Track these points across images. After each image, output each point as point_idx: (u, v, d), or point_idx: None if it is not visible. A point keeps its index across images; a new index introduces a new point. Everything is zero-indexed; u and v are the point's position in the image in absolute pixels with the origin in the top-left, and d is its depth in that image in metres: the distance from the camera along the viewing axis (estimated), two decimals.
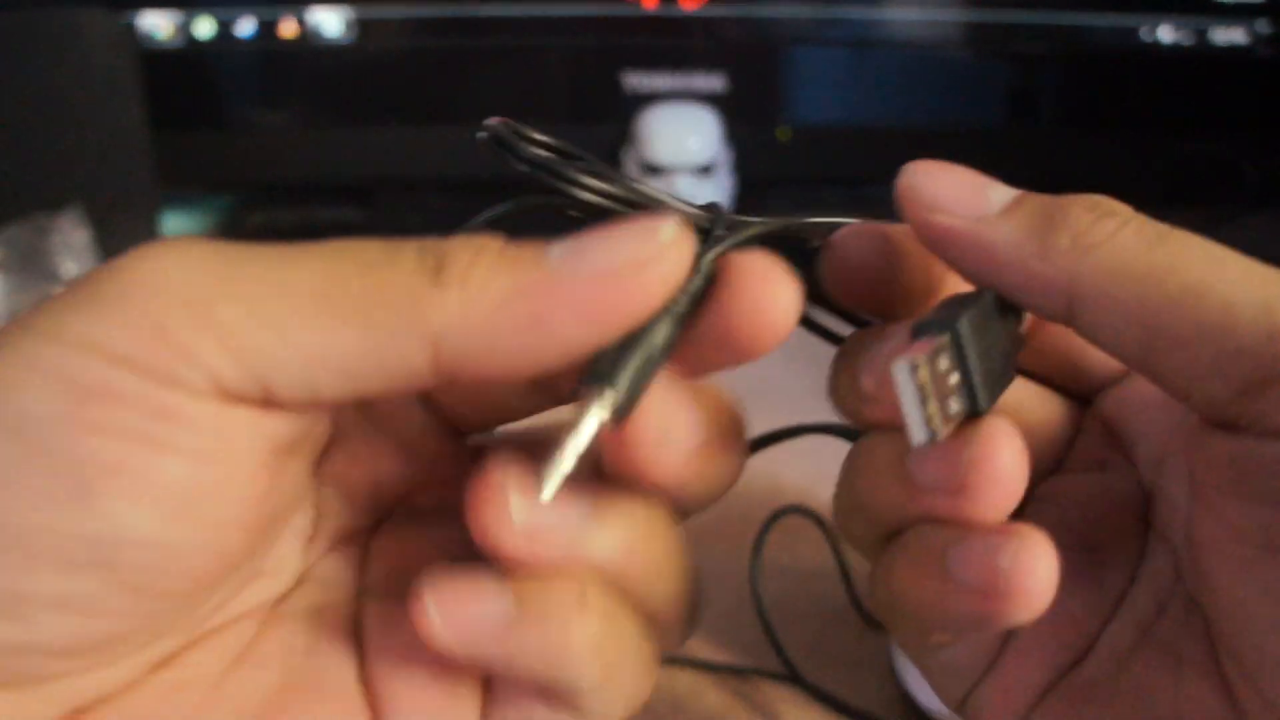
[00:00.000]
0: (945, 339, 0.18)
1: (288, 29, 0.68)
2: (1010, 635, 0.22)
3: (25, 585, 0.16)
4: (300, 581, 0.21)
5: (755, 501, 0.38)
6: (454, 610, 0.17)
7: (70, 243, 0.54)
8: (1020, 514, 0.21)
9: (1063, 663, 0.21)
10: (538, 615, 0.17)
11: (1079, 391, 0.23)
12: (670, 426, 0.18)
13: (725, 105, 0.70)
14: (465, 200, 0.77)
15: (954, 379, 0.18)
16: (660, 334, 0.17)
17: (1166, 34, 0.71)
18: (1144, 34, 0.71)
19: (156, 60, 0.65)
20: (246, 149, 0.73)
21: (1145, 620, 0.21)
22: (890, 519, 0.20)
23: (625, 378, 0.17)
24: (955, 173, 0.20)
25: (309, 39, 0.69)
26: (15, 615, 0.16)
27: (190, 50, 0.68)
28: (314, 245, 0.17)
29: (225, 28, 0.68)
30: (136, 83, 0.60)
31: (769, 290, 0.18)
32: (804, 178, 0.78)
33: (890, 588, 0.20)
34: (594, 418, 0.17)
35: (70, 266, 0.54)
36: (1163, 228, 0.18)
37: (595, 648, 0.18)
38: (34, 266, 0.54)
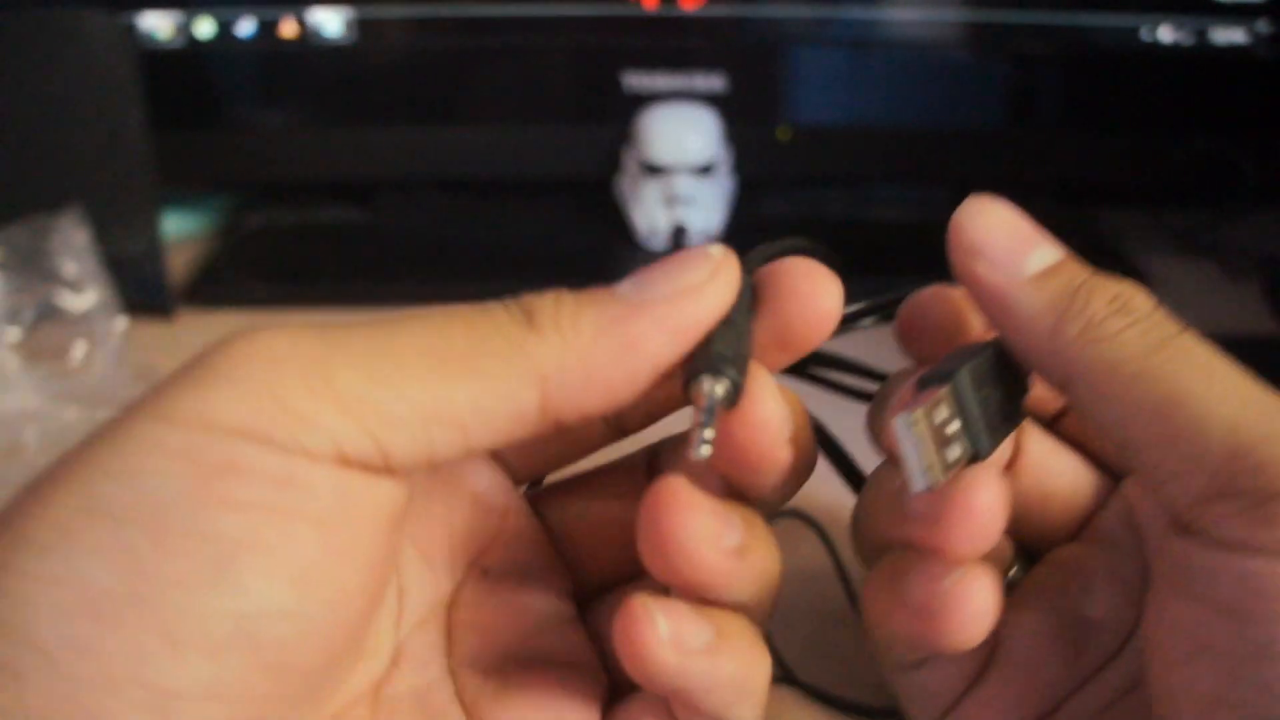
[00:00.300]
0: (946, 390, 0.19)
1: (288, 29, 0.68)
2: (983, 673, 0.23)
3: (174, 678, 0.15)
4: (395, 660, 0.21)
5: None
6: (676, 628, 0.18)
7: (70, 243, 0.54)
8: (1027, 573, 0.23)
9: (1031, 712, 0.22)
10: (734, 646, 0.19)
11: (1111, 467, 0.24)
12: (775, 407, 0.19)
13: (725, 105, 0.70)
14: (465, 200, 0.77)
15: (954, 427, 0.19)
16: (737, 330, 0.19)
17: (1166, 34, 0.71)
18: (1144, 34, 0.71)
19: (156, 60, 0.65)
20: (246, 149, 0.73)
21: (1118, 691, 0.22)
22: (883, 540, 0.21)
23: (728, 365, 0.19)
24: (1006, 221, 0.21)
25: (309, 39, 0.69)
26: (165, 712, 0.15)
27: (190, 50, 0.68)
28: (407, 314, 0.18)
29: (225, 28, 0.68)
30: (137, 83, 0.60)
31: (814, 286, 0.20)
32: (804, 178, 0.78)
33: (864, 601, 0.21)
34: (714, 398, 0.18)
35: (70, 267, 0.54)
36: (1170, 331, 0.19)
37: (767, 680, 0.19)
38: (34, 266, 0.54)
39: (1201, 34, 0.71)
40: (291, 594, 0.16)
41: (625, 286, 0.19)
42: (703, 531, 0.18)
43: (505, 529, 0.22)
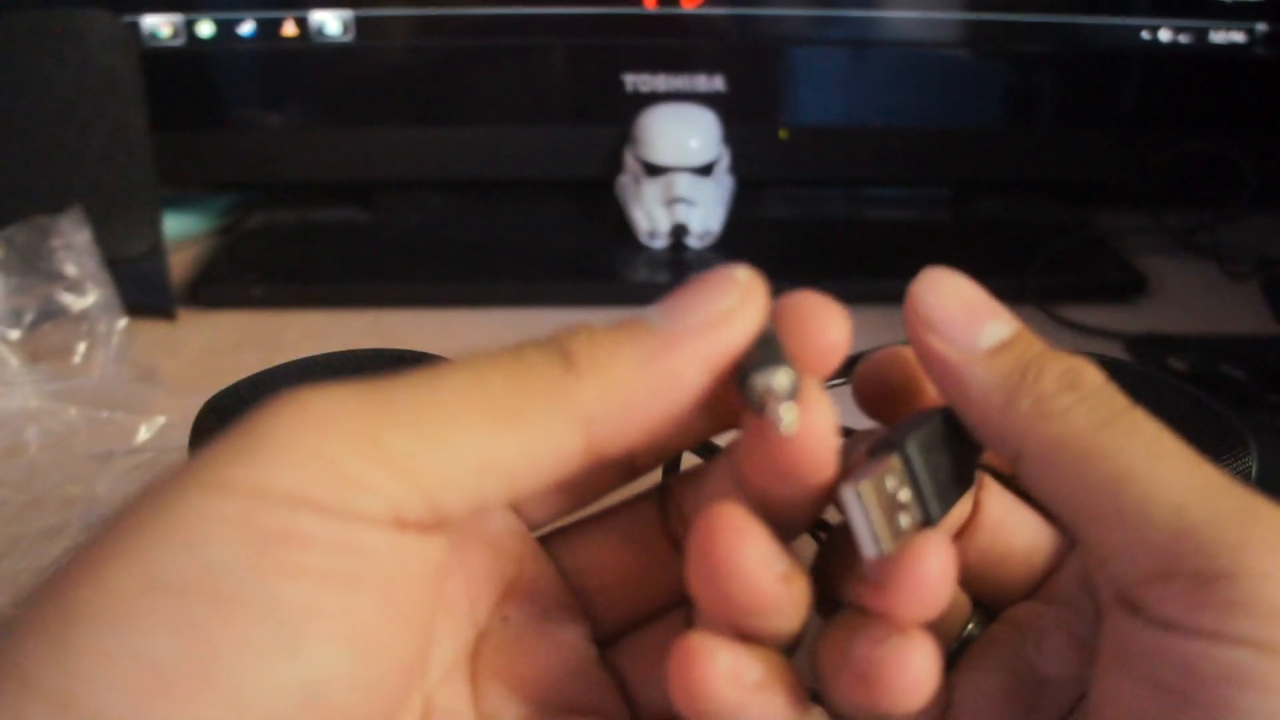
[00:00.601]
0: (894, 459, 0.20)
1: (288, 29, 0.68)
2: None
3: None
4: (425, 714, 0.20)
5: None
6: (734, 663, 0.18)
7: (71, 243, 0.55)
8: (982, 631, 0.23)
9: None
10: (781, 681, 0.19)
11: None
12: (829, 410, 0.19)
13: (725, 105, 0.70)
14: (465, 200, 0.77)
15: (905, 495, 0.20)
16: (773, 346, 0.19)
17: (1166, 34, 0.71)
18: (1144, 34, 0.71)
19: (157, 60, 0.65)
20: (247, 149, 0.73)
21: None
22: (836, 597, 0.22)
23: (782, 363, 0.19)
24: (961, 294, 0.21)
25: (309, 39, 0.69)
26: None
27: (191, 50, 0.68)
28: (442, 366, 0.18)
29: (226, 28, 0.68)
30: (138, 83, 0.60)
31: (823, 319, 0.20)
32: (804, 178, 0.78)
33: (814, 656, 0.21)
34: (782, 387, 0.19)
35: (71, 267, 0.54)
36: (1118, 407, 0.19)
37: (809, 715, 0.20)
38: (35, 266, 0.54)
39: (1201, 34, 0.71)
40: (354, 659, 0.16)
41: (656, 316, 0.19)
42: (758, 557, 0.18)
43: (523, 574, 0.22)
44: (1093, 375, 0.20)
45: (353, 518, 0.16)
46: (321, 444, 0.16)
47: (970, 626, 0.24)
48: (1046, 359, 0.20)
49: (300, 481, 0.16)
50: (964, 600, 0.24)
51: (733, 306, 0.19)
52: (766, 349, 0.19)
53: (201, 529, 0.16)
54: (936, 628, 0.22)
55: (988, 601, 0.24)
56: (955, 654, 0.24)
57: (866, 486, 0.19)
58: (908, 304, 0.21)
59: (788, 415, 0.18)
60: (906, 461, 0.20)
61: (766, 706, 0.19)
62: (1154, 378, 0.32)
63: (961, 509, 0.23)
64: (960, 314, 0.20)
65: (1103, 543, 0.19)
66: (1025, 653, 0.23)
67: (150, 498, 0.16)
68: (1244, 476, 0.28)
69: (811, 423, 0.19)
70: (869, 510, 0.19)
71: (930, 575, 0.19)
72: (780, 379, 0.19)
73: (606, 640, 0.23)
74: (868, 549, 0.19)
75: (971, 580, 0.24)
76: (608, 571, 0.23)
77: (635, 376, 0.18)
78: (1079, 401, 0.19)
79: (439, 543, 0.18)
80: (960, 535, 0.23)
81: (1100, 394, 0.19)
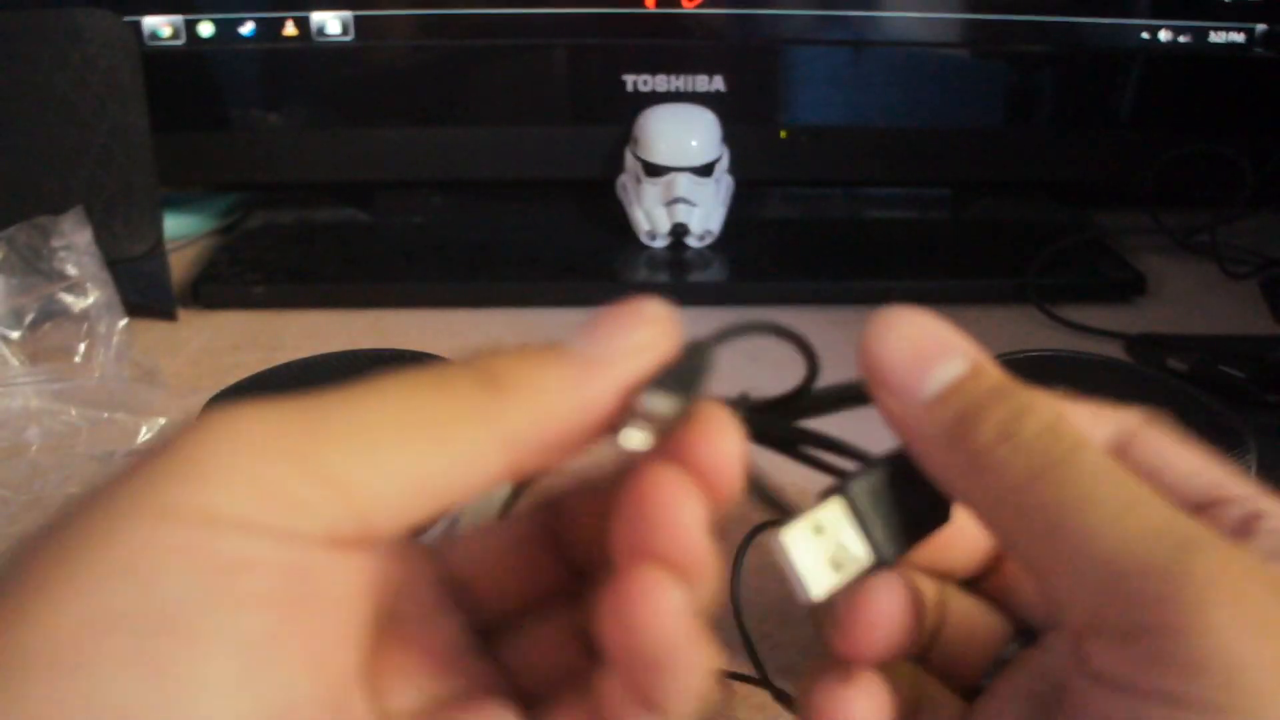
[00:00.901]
0: (836, 502, 0.20)
1: (288, 29, 0.68)
2: None
3: None
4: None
5: (734, 515, 0.38)
6: (682, 597, 0.18)
7: (72, 243, 0.55)
8: (1023, 648, 0.22)
9: None
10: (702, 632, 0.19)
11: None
12: (731, 433, 0.19)
13: (725, 105, 0.70)
14: (465, 200, 0.77)
15: (851, 537, 0.20)
16: (683, 380, 0.20)
17: (1166, 34, 0.71)
18: (1143, 34, 0.71)
19: (158, 60, 0.65)
20: (247, 149, 0.73)
21: None
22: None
23: (671, 389, 0.20)
24: (909, 340, 0.20)
25: (310, 39, 0.69)
26: None
27: (191, 51, 0.68)
28: (366, 384, 0.18)
29: (226, 28, 0.68)
30: (139, 83, 0.60)
31: (720, 438, 0.20)
32: (803, 178, 0.78)
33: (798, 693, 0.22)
34: (653, 408, 0.19)
35: (72, 267, 0.54)
36: (1061, 450, 0.18)
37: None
38: (36, 267, 0.54)
39: (1200, 34, 0.71)
40: (313, 680, 0.16)
41: (579, 343, 0.20)
42: (696, 509, 0.19)
43: (408, 574, 0.22)
44: (1035, 419, 0.19)
45: (297, 539, 0.16)
46: (261, 464, 0.16)
47: (1012, 647, 0.24)
48: (990, 403, 0.19)
49: (245, 505, 0.16)
50: (996, 622, 0.24)
51: (648, 340, 0.20)
52: (666, 381, 0.20)
53: (152, 560, 0.15)
54: (965, 651, 0.22)
55: (1034, 624, 0.24)
56: (990, 676, 0.23)
57: (792, 532, 0.19)
58: (859, 352, 0.20)
59: (633, 435, 0.19)
60: (852, 504, 0.20)
61: (697, 646, 0.19)
62: (1154, 378, 0.32)
63: (980, 542, 0.22)
64: (906, 361, 0.20)
65: (1049, 591, 0.19)
66: (1052, 675, 0.22)
67: (86, 525, 0.15)
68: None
69: (712, 432, 0.19)
70: (796, 556, 0.19)
71: (878, 616, 0.19)
72: (654, 401, 0.19)
73: (489, 630, 0.23)
74: (798, 593, 0.19)
75: (1011, 602, 0.23)
76: (489, 569, 0.23)
77: (557, 399, 0.19)
78: (1013, 453, 0.19)
79: (371, 558, 0.19)
80: (996, 557, 0.23)
81: (1040, 440, 0.19)
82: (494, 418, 0.18)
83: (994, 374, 0.20)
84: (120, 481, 0.16)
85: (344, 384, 0.18)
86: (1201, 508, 0.20)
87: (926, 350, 0.20)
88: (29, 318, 0.54)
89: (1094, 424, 0.21)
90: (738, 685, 0.37)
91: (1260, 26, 0.71)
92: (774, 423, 0.24)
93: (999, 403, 0.19)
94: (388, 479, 0.17)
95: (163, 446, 0.16)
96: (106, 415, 0.50)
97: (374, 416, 0.18)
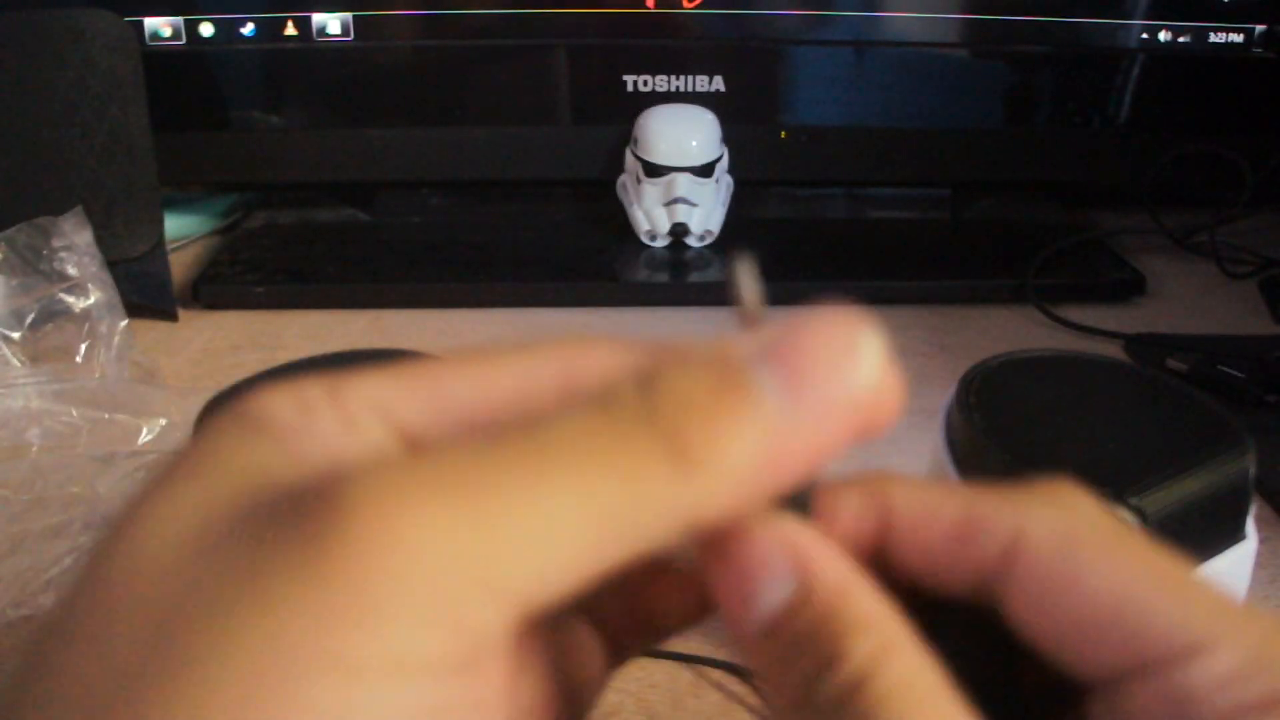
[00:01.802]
0: None
1: (289, 30, 0.69)
2: None
3: None
4: None
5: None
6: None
7: (73, 244, 0.55)
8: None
9: None
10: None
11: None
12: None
13: (725, 105, 0.71)
14: (465, 200, 0.77)
15: None
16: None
17: (1165, 35, 0.71)
18: (1143, 35, 0.71)
19: (158, 61, 0.65)
20: (247, 149, 0.73)
21: None
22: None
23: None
24: (739, 562, 0.17)
25: (310, 39, 0.69)
26: None
27: (192, 51, 0.68)
28: (531, 433, 0.15)
29: (227, 28, 0.68)
30: (139, 84, 0.60)
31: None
32: (803, 178, 0.78)
33: None
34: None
35: (73, 267, 0.54)
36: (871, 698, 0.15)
37: None
38: (37, 267, 0.54)
39: (1200, 34, 0.71)
40: None
41: (769, 380, 0.15)
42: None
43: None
44: (839, 677, 0.15)
45: (480, 671, 0.14)
46: (440, 587, 0.14)
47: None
48: (803, 645, 0.16)
49: (431, 644, 0.14)
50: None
51: (874, 383, 0.15)
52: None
53: None
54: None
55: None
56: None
57: None
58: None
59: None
60: None
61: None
62: (1153, 378, 0.32)
63: None
64: (739, 584, 0.17)
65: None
66: None
67: (258, 686, 0.13)
68: (1242, 476, 0.28)
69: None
70: None
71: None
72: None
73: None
74: None
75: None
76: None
77: (749, 480, 0.15)
78: (813, 716, 0.16)
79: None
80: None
81: (835, 712, 0.15)
82: (684, 507, 0.15)
83: (822, 594, 0.16)
84: (285, 619, 0.13)
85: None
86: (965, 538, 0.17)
87: (756, 559, 0.17)
88: (30, 318, 0.54)
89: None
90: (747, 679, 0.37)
91: (1259, 27, 0.71)
92: None
93: (809, 646, 0.16)
94: (559, 583, 0.15)
95: (318, 565, 0.14)
96: (107, 416, 0.50)
97: (548, 504, 0.14)
